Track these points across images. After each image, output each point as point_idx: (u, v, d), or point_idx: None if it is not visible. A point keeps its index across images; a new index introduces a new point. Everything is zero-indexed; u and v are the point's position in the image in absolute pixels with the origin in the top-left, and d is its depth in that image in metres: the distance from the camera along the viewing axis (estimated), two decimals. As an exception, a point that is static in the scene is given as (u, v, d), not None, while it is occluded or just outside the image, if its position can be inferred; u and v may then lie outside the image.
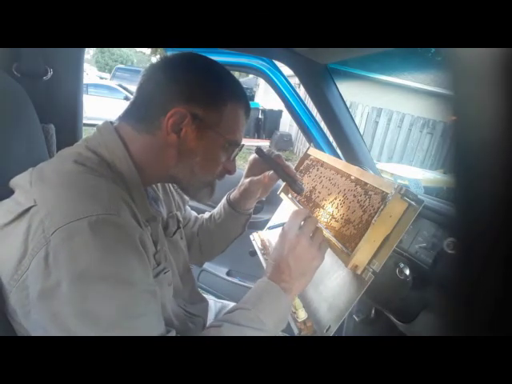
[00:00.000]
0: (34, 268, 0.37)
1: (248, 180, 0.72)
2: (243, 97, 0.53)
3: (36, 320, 0.39)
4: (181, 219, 0.69)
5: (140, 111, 0.50)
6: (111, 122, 0.52)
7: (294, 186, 0.64)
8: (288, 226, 0.53)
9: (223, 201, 0.77)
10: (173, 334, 0.43)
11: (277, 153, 0.69)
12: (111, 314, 0.38)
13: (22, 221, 0.40)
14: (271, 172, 0.69)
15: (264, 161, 0.68)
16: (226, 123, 0.51)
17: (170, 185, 0.69)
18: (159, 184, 0.64)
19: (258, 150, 0.68)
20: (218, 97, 0.50)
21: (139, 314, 0.40)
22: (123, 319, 0.39)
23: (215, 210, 0.79)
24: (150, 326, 0.41)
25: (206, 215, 0.81)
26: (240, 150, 0.56)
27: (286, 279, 0.51)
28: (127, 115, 0.51)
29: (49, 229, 0.38)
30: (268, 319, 0.47)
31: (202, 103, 0.48)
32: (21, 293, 0.39)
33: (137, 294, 0.40)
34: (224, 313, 0.49)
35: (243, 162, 5.81)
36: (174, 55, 0.52)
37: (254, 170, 0.73)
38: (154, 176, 0.53)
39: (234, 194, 0.76)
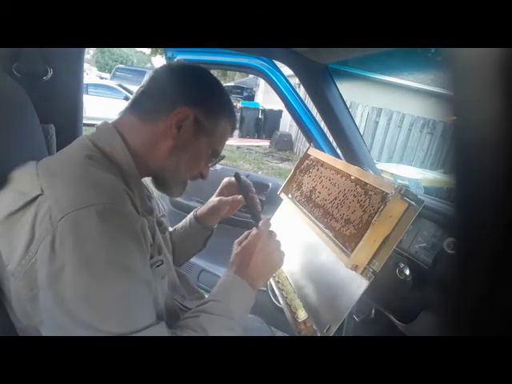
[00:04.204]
0: (41, 253, 0.39)
1: (218, 199, 0.80)
2: (235, 116, 0.62)
3: (42, 302, 0.40)
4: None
5: (151, 101, 0.54)
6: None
7: (254, 213, 0.72)
8: (262, 229, 0.61)
9: (190, 215, 0.83)
10: (162, 325, 0.44)
11: (249, 182, 0.77)
12: (111, 298, 0.39)
13: (28, 210, 0.41)
14: (240, 196, 0.77)
15: (238, 185, 0.76)
16: (218, 134, 0.58)
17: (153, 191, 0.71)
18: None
19: (236, 175, 0.76)
20: (219, 111, 0.57)
21: (137, 300, 0.42)
22: (122, 304, 0.40)
23: (179, 224, 0.84)
24: (144, 313, 0.42)
25: (170, 229, 0.83)
26: (218, 161, 0.63)
27: (253, 276, 0.57)
28: (135, 105, 0.55)
29: (56, 215, 0.39)
30: (236, 309, 0.53)
31: (206, 111, 0.54)
32: (29, 277, 0.40)
33: (136, 282, 0.42)
34: (197, 304, 0.53)
35: (243, 162, 5.82)
36: (192, 63, 0.60)
37: (224, 191, 0.81)
38: (147, 167, 0.55)
39: (202, 209, 0.82)
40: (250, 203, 0.74)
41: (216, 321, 0.49)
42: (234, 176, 0.76)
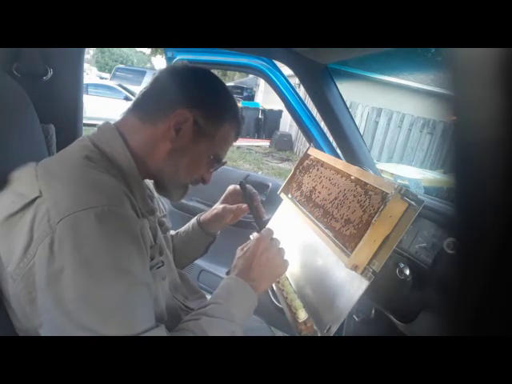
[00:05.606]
0: (39, 255, 0.39)
1: (222, 206, 0.79)
2: (239, 121, 0.60)
3: (41, 305, 0.40)
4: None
5: (152, 102, 0.54)
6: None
7: (258, 222, 0.72)
8: (264, 233, 0.61)
9: (193, 220, 0.83)
10: (162, 328, 0.44)
11: (254, 191, 0.77)
12: (110, 301, 0.39)
13: (27, 211, 0.41)
14: (245, 205, 0.77)
15: (243, 194, 0.76)
16: (219, 138, 0.56)
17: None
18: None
19: (241, 184, 0.76)
20: (220, 114, 0.56)
21: (136, 303, 0.42)
22: (121, 307, 0.40)
23: (182, 229, 0.84)
24: (144, 316, 0.42)
25: (172, 232, 0.83)
26: (220, 167, 0.62)
27: (255, 278, 0.56)
28: (137, 106, 0.55)
29: (55, 218, 0.39)
30: (238, 312, 0.52)
31: (206, 114, 0.54)
32: (27, 280, 0.40)
33: (136, 284, 0.42)
34: (198, 307, 0.52)
35: (243, 162, 5.82)
36: (197, 66, 0.59)
37: (229, 199, 0.81)
38: (147, 168, 0.55)
39: (206, 215, 0.81)
40: (255, 212, 0.74)
41: (217, 324, 0.49)
42: (239, 184, 0.76)
